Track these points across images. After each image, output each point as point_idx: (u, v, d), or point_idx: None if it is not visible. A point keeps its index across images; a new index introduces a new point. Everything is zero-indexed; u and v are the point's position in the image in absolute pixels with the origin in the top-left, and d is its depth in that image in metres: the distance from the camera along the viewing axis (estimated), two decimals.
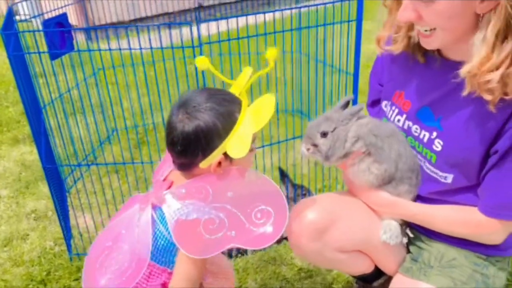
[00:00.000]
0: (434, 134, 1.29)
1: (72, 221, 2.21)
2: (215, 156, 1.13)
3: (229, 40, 1.58)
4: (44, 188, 2.58)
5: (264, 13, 1.73)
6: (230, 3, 6.49)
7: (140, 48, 1.64)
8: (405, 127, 1.38)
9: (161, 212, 1.16)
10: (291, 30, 1.91)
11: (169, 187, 1.20)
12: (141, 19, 5.76)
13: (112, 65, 2.62)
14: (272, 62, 1.13)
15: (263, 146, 2.35)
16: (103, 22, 5.40)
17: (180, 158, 1.18)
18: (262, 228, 1.11)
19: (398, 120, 1.40)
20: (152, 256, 1.16)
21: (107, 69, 2.90)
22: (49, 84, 2.01)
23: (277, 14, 1.89)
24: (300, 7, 1.94)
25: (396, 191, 1.37)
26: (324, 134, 1.33)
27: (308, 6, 2.02)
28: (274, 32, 1.74)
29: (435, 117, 1.29)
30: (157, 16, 5.96)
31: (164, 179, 1.24)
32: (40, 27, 2.01)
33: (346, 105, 1.39)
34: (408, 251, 1.48)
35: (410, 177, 1.36)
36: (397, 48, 1.31)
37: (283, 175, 2.40)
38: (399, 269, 1.44)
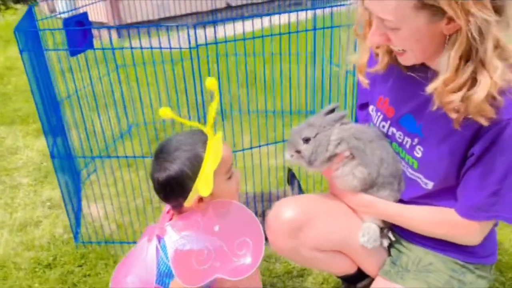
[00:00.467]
0: (416, 140, 1.31)
1: (84, 211, 2.33)
2: (192, 197, 1.24)
3: (225, 42, 1.63)
4: (63, 179, 2.71)
5: (264, 16, 1.77)
6: (258, 3, 6.54)
7: (141, 48, 1.72)
8: (390, 133, 1.40)
9: (164, 242, 1.30)
10: (293, 32, 1.95)
11: (171, 219, 1.34)
12: (170, 18, 5.90)
13: (124, 64, 2.72)
14: (215, 92, 1.22)
15: (267, 144, 2.39)
16: (134, 20, 5.57)
17: (167, 203, 1.33)
18: (243, 259, 1.22)
19: (383, 126, 1.42)
20: (156, 279, 1.29)
21: (127, 67, 3.02)
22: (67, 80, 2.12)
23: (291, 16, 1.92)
24: (305, 10, 1.97)
25: (377, 195, 1.39)
26: (306, 140, 1.37)
27: (315, 8, 2.04)
28: (271, 35, 1.78)
29: (416, 124, 1.30)
30: (186, 15, 6.09)
31: (168, 212, 1.38)
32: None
33: (330, 112, 1.41)
34: (390, 254, 1.49)
35: (391, 183, 1.38)
36: (381, 67, 1.34)
37: (293, 177, 2.43)
38: (379, 271, 1.46)
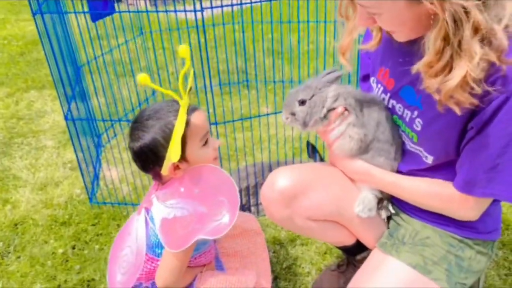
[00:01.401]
0: (415, 113, 1.27)
1: (102, 173, 2.41)
2: (166, 164, 1.24)
3: (232, 5, 1.60)
4: (84, 142, 2.79)
5: None
6: None
7: (151, 12, 1.71)
8: (390, 106, 1.36)
9: (152, 213, 1.32)
10: None
11: (157, 190, 1.36)
12: None
13: (140, 31, 2.74)
14: (187, 60, 1.21)
15: (275, 113, 2.37)
16: None
17: (146, 172, 1.33)
18: (221, 218, 1.23)
19: (384, 99, 1.38)
20: (149, 250, 1.34)
21: (152, 33, 3.03)
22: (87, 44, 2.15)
23: None
24: None
25: (372, 162, 1.36)
26: (302, 102, 1.35)
27: None
28: None
29: (416, 96, 1.26)
30: None
31: (155, 184, 1.40)
32: None
33: (328, 75, 1.38)
34: (389, 227, 1.46)
35: (388, 150, 1.34)
36: (372, 45, 1.30)
37: (314, 150, 2.40)
38: (376, 243, 1.44)
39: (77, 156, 2.15)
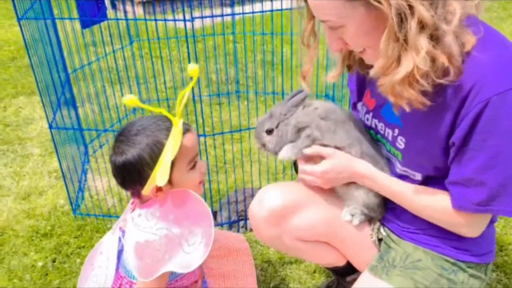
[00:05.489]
0: (396, 131, 1.24)
1: (89, 183, 2.35)
2: (150, 184, 1.17)
3: (222, 15, 1.56)
4: (71, 151, 2.73)
5: None
6: None
7: (131, 19, 1.66)
8: (373, 125, 1.34)
9: (126, 234, 1.24)
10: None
11: (133, 210, 1.28)
12: None
13: (135, 38, 2.69)
14: (195, 78, 1.16)
15: None
16: None
17: (125, 189, 1.26)
18: (192, 251, 1.15)
19: (367, 119, 1.36)
20: (124, 270, 1.26)
21: (143, 42, 2.99)
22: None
23: None
24: None
25: None
26: (269, 132, 1.32)
27: None
28: (272, 10, 1.68)
29: (396, 114, 1.22)
30: None
31: (133, 202, 1.33)
32: None
33: (294, 97, 1.34)
34: (380, 250, 1.41)
35: (373, 157, 1.32)
36: (333, 76, 1.30)
37: None
38: (366, 267, 1.38)
39: (61, 166, 2.08)
